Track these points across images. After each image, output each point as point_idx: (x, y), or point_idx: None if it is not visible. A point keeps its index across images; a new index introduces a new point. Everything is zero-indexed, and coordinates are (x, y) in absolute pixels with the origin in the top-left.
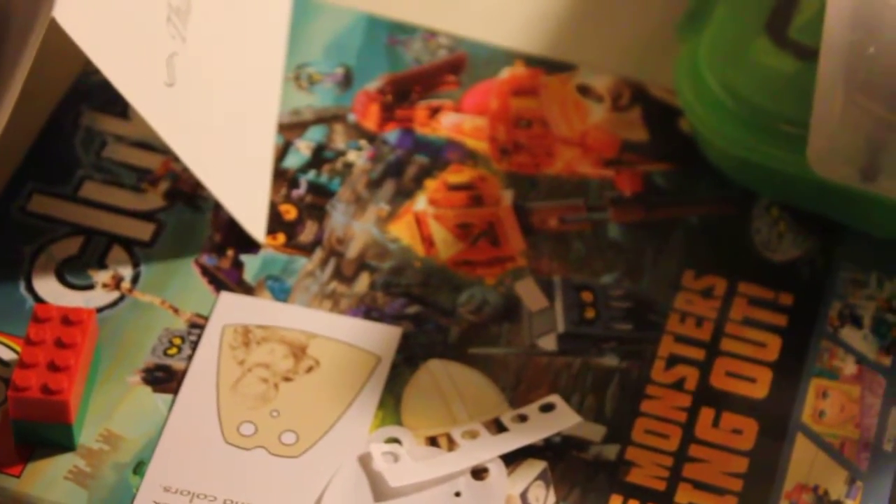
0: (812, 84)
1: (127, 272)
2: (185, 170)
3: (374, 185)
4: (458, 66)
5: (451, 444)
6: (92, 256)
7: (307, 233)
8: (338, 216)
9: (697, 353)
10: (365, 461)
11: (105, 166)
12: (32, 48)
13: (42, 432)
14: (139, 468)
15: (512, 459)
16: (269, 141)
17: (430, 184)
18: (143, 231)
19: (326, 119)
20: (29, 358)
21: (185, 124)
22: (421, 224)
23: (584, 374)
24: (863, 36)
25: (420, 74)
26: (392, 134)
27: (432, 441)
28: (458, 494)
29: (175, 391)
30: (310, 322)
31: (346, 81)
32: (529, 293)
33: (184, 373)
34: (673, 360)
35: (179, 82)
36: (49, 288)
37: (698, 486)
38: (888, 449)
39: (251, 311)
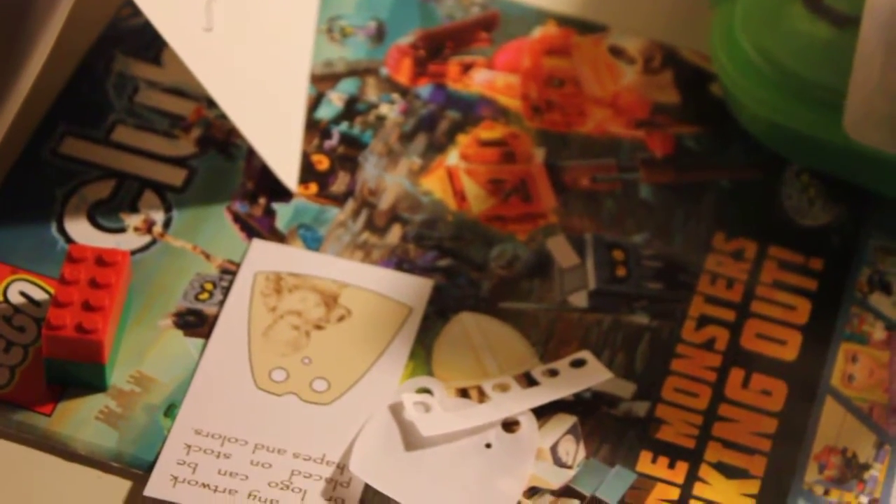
0: (846, 51)
1: (159, 217)
2: (218, 117)
3: (407, 138)
4: (490, 24)
5: (482, 397)
6: (124, 200)
7: (339, 183)
8: (370, 168)
9: (728, 314)
10: (396, 410)
11: (137, 111)
12: None
13: (74, 372)
14: (170, 410)
15: (542, 413)
16: (301, 91)
17: (463, 139)
18: (175, 176)
19: (359, 72)
20: (63, 297)
21: (222, 70)
22: (453, 178)
23: (614, 331)
24: None
25: (453, 31)
26: (424, 89)
27: (463, 393)
28: (488, 446)
29: (206, 336)
30: (341, 271)
31: (379, 35)
32: (561, 250)
33: (215, 318)
34: (703, 321)
35: (217, 28)
36: (81, 230)
37: (727, 444)
38: None
39: (283, 259)
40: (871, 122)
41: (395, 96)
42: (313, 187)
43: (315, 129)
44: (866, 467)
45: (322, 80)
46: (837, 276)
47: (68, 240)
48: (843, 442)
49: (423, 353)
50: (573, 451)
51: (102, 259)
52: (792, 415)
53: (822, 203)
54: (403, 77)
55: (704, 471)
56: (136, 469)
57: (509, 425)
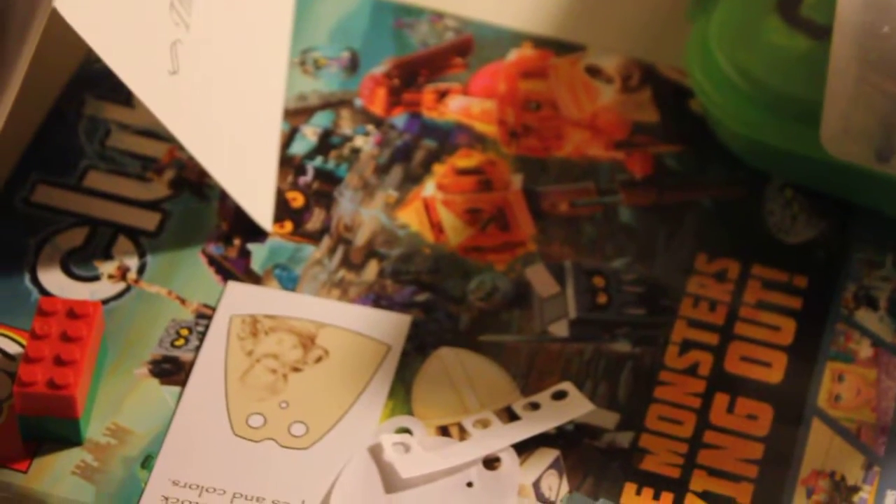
0: (824, 63)
1: (133, 263)
2: (191, 158)
3: (382, 170)
4: (465, 49)
5: (463, 434)
6: (97, 247)
7: (315, 220)
8: (346, 203)
9: (711, 338)
10: (375, 452)
11: (109, 155)
12: (34, 37)
13: (49, 427)
14: (147, 462)
15: (524, 448)
16: (275, 127)
17: (439, 168)
18: (149, 221)
19: (333, 104)
20: (34, 352)
21: (190, 112)
22: (430, 210)
23: (596, 360)
24: (876, 15)
25: (427, 57)
26: (399, 118)
27: (443, 431)
28: (469, 485)
29: (183, 383)
30: (318, 311)
31: (353, 66)
32: (540, 279)
33: (191, 364)
34: (686, 345)
35: (183, 70)
36: (54, 280)
37: (713, 472)
38: None
39: (259, 301)
40: (848, 136)
41: (370, 128)
42: (288, 225)
43: (289, 165)
44: (855, 490)
45: (295, 115)
46: (823, 293)
47: (42, 291)
48: (830, 465)
49: (402, 391)
50: (556, 485)
51: (73, 311)
52: (778, 439)
53: (806, 218)
54: (378, 107)
55: (690, 500)
56: None
57: (490, 462)
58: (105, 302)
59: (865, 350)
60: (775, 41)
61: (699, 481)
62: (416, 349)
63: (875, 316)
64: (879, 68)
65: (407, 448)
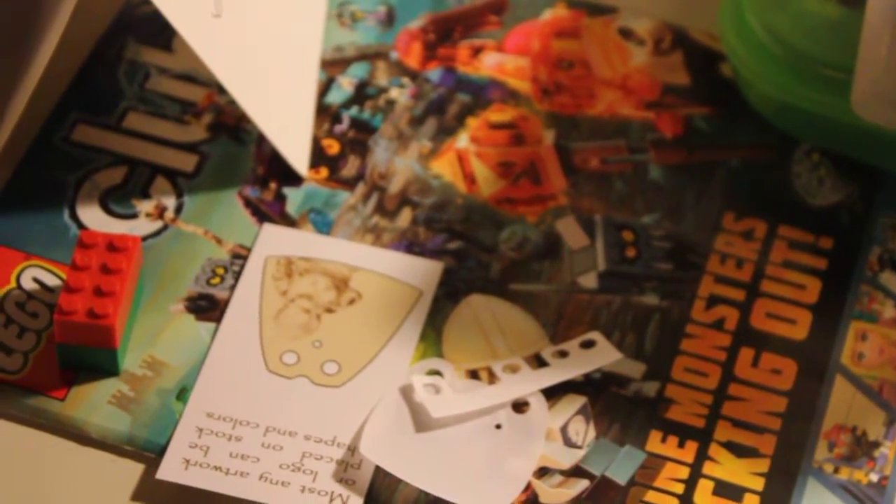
0: (856, 30)
1: (170, 202)
2: (229, 103)
3: (417, 122)
4: (500, 7)
5: (492, 378)
6: (136, 186)
7: (350, 167)
8: (380, 152)
9: (738, 294)
10: (406, 392)
11: (149, 98)
12: None
13: (86, 357)
14: (182, 394)
15: (552, 394)
16: (312, 76)
17: (472, 122)
18: (187, 162)
19: (369, 56)
20: (75, 282)
21: (232, 56)
22: (463, 161)
23: (624, 312)
24: None
25: (462, 14)
26: (434, 72)
27: (473, 374)
28: (498, 427)
29: (218, 320)
30: (352, 255)
31: (389, 19)
32: (571, 231)
33: (226, 302)
34: (713, 301)
35: (226, 14)
36: (93, 216)
37: (737, 424)
38: None
39: (294, 243)
40: (878, 101)
41: (405, 80)
42: (324, 171)
43: (325, 113)
44: (876, 445)
45: (332, 65)
46: (848, 255)
47: (80, 226)
48: (852, 420)
49: (433, 336)
50: (583, 431)
51: (113, 245)
52: (802, 393)
53: (833, 182)
54: (413, 61)
55: (714, 450)
56: (149, 452)
57: (519, 406)
58: (143, 239)
59: (889, 311)
60: (808, 7)
61: (723, 431)
62: (447, 295)
63: None
64: None
65: (437, 389)
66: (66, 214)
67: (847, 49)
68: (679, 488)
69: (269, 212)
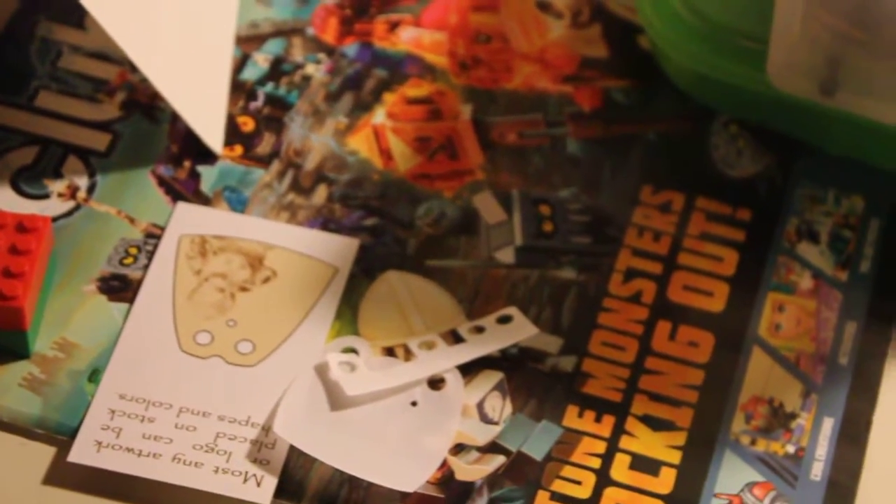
0: (770, 0)
1: (83, 182)
2: (142, 81)
3: (333, 98)
4: None
5: (408, 355)
6: (47, 166)
7: (265, 144)
8: (296, 128)
9: (655, 267)
10: (321, 371)
11: (61, 76)
12: None
13: None
14: (94, 376)
15: (469, 370)
16: (226, 53)
17: (389, 97)
18: (100, 141)
19: (285, 32)
20: None
21: (143, 33)
22: (379, 137)
23: (541, 286)
24: None
25: None
26: (351, 48)
27: (389, 351)
28: (414, 404)
29: (131, 300)
30: (267, 233)
31: None
32: (487, 206)
33: (139, 282)
34: (630, 274)
35: None
36: (4, 197)
37: (654, 397)
38: (843, 362)
39: (208, 222)
40: (793, 71)
41: (321, 56)
42: (238, 149)
43: (240, 90)
44: (793, 416)
45: (247, 42)
46: (765, 227)
47: None
48: (770, 391)
49: (349, 313)
50: (500, 407)
51: (23, 225)
52: (719, 366)
53: (751, 153)
54: (329, 36)
55: (631, 424)
56: (60, 435)
57: (435, 383)
58: (55, 220)
59: (806, 282)
60: None
61: (640, 405)
62: (363, 272)
63: (816, 249)
64: (826, 3)
65: (353, 367)
66: None
67: (763, 20)
68: (596, 463)
69: (183, 190)
